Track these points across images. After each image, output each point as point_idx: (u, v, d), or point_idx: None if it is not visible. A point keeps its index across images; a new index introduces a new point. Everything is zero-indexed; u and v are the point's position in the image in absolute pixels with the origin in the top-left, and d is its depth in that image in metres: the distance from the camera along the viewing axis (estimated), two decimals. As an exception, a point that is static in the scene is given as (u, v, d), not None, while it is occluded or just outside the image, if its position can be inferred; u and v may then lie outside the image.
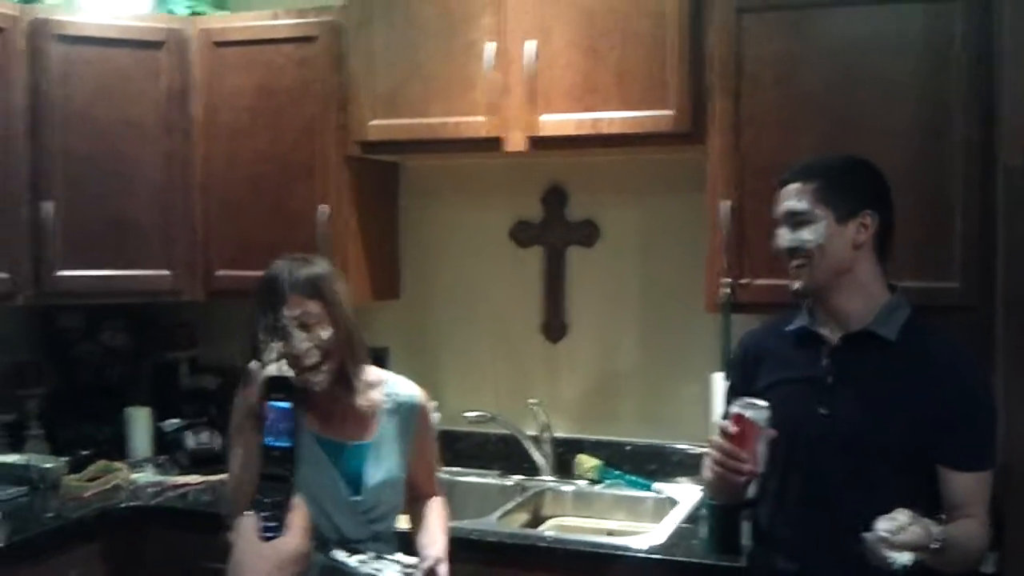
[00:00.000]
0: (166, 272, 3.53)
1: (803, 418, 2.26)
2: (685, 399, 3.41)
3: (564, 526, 3.33)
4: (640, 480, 3.39)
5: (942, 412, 2.17)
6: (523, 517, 3.31)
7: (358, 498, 2.40)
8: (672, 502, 3.22)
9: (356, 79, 3.32)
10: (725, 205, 2.90)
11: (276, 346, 2.28)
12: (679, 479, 3.37)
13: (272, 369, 2.19)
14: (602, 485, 3.43)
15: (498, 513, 3.15)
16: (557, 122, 3.08)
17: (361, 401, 2.45)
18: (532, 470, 3.51)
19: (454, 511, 2.67)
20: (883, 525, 1.98)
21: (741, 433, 2.17)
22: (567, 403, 3.60)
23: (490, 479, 3.54)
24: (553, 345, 3.62)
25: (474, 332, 3.70)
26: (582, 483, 3.45)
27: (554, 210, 3.59)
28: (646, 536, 2.91)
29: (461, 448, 3.55)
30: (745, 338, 2.53)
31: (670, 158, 3.33)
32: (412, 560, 2.36)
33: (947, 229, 2.72)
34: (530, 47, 3.07)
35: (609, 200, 3.53)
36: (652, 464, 3.45)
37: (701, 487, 3.06)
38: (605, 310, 3.55)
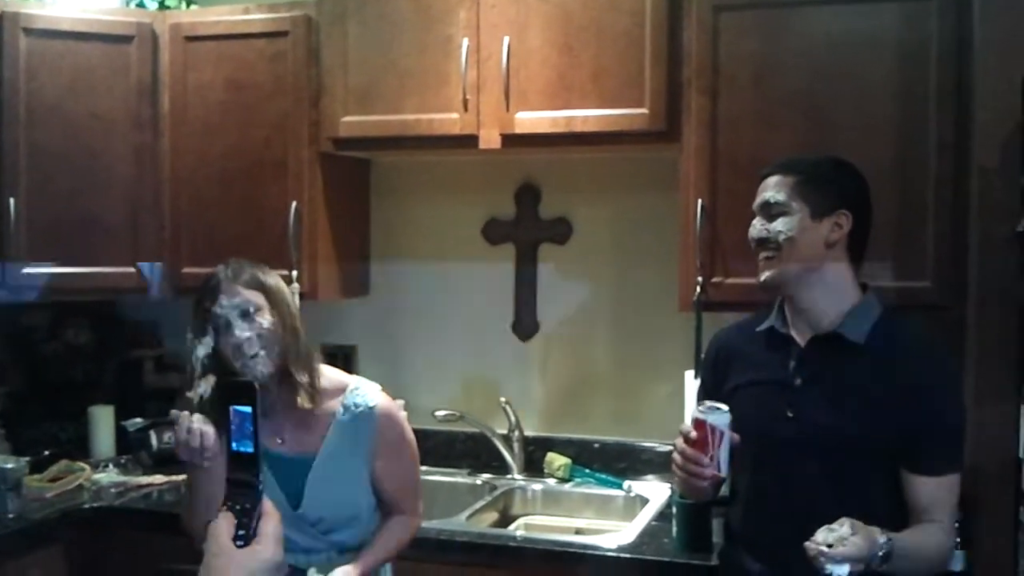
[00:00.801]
0: (131, 269, 3.48)
1: (771, 420, 2.26)
2: (657, 398, 3.42)
3: (533, 525, 3.33)
4: (610, 478, 3.39)
5: (908, 416, 2.16)
6: (492, 516, 3.30)
7: (300, 512, 2.34)
8: (642, 500, 3.22)
9: (329, 74, 3.30)
10: (699, 204, 2.90)
11: (206, 341, 2.28)
12: (649, 477, 3.38)
13: (201, 389, 2.24)
14: (572, 483, 3.43)
15: (467, 512, 3.14)
16: (532, 120, 3.08)
17: (312, 407, 2.36)
18: (502, 469, 3.51)
19: (424, 509, 2.63)
20: (821, 537, 1.98)
21: (702, 438, 2.15)
22: (537, 401, 3.60)
23: (459, 478, 3.53)
24: (524, 343, 3.61)
25: (444, 330, 3.69)
26: (552, 481, 3.45)
27: (527, 207, 3.59)
28: (616, 535, 2.91)
29: (430, 447, 3.52)
30: (716, 337, 2.52)
31: (644, 156, 3.34)
32: None
33: (920, 228, 2.74)
34: (505, 44, 3.07)
35: (582, 198, 3.53)
36: (622, 462, 3.46)
37: (671, 485, 3.07)
38: (577, 308, 3.55)
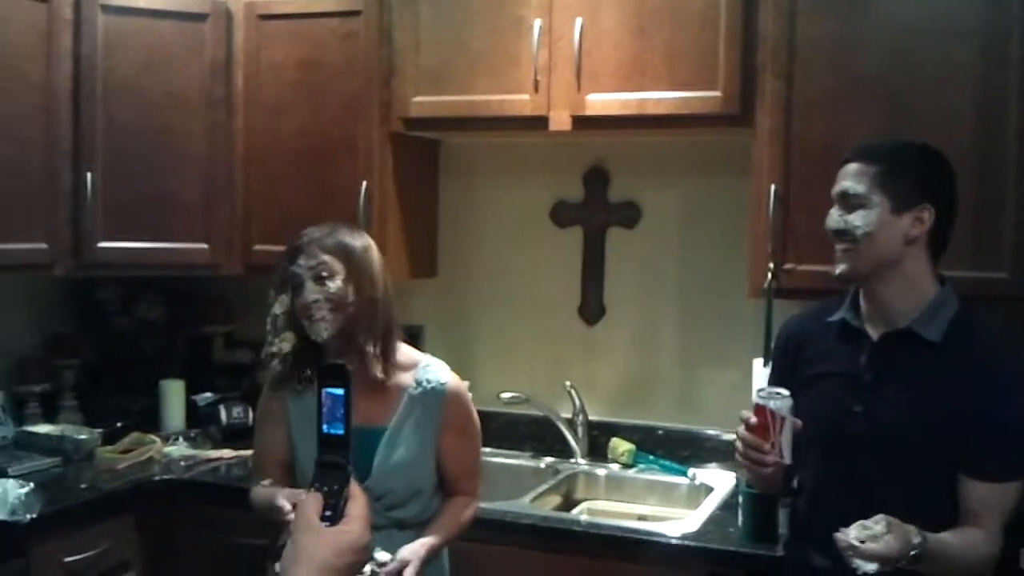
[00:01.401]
0: (204, 246, 3.53)
1: (839, 414, 2.20)
2: (723, 385, 3.38)
3: (596, 510, 3.32)
4: (674, 465, 3.37)
5: (975, 417, 2.08)
6: (555, 500, 3.29)
7: (366, 484, 2.31)
8: (707, 488, 3.20)
9: (400, 55, 3.30)
10: (771, 189, 2.86)
11: (283, 299, 2.33)
12: (713, 465, 3.36)
13: (278, 347, 2.32)
14: (635, 469, 3.41)
15: (530, 495, 3.14)
16: (603, 101, 3.06)
17: (384, 378, 2.39)
18: (565, 452, 3.50)
19: (486, 492, 2.63)
20: (854, 532, 1.95)
21: (763, 424, 2.12)
22: (602, 386, 3.58)
23: (522, 461, 3.53)
24: (590, 327, 3.60)
25: (510, 312, 3.69)
26: (615, 467, 3.43)
27: (595, 191, 3.56)
28: (680, 523, 2.89)
29: (494, 429, 3.52)
30: (786, 325, 2.48)
31: (714, 140, 3.30)
32: (387, 557, 2.27)
33: (997, 218, 2.67)
34: (578, 25, 3.05)
35: (652, 182, 3.50)
36: (686, 450, 3.43)
37: (736, 474, 3.04)
38: (644, 293, 3.52)
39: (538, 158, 3.61)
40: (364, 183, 3.35)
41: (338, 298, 2.32)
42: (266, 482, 2.41)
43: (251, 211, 3.54)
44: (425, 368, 2.46)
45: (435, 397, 2.43)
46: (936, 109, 2.71)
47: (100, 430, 3.46)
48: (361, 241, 2.41)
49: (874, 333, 2.23)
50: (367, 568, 2.21)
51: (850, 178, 2.18)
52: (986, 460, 2.09)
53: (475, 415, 2.53)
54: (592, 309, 3.59)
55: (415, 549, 2.31)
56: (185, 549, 3.20)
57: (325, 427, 1.36)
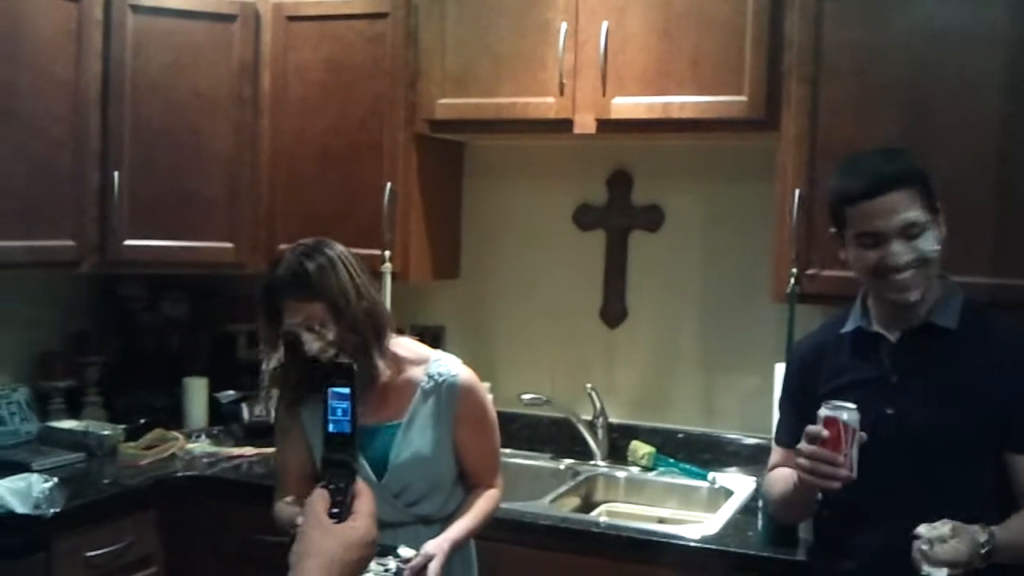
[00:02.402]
0: (229, 244, 3.55)
1: (873, 421, 2.14)
2: (745, 390, 3.38)
3: (616, 512, 3.32)
4: (694, 469, 3.37)
5: (1010, 396, 2.11)
6: (575, 501, 3.30)
7: (383, 482, 2.36)
8: (727, 492, 3.19)
9: (426, 57, 3.32)
10: (796, 194, 2.86)
11: (276, 357, 2.33)
12: (733, 469, 3.36)
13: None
14: (655, 472, 3.41)
15: (550, 496, 3.15)
16: (628, 105, 3.06)
17: (395, 377, 2.40)
18: (585, 454, 3.50)
19: (506, 493, 2.64)
20: (924, 532, 1.94)
21: (835, 436, 2.05)
22: (623, 389, 3.58)
23: (542, 462, 3.53)
24: (611, 330, 3.60)
25: (532, 314, 3.69)
26: (635, 470, 3.43)
27: (619, 194, 3.57)
28: (699, 526, 2.89)
29: (515, 430, 3.53)
30: (797, 349, 2.47)
31: (738, 145, 3.31)
32: (411, 553, 2.27)
33: (1019, 225, 2.67)
34: (604, 28, 3.06)
35: (675, 186, 3.50)
36: (707, 453, 3.43)
37: (756, 478, 3.03)
38: (666, 296, 3.53)
39: (562, 161, 3.62)
40: (388, 184, 3.37)
41: (338, 337, 2.29)
42: (289, 499, 2.42)
43: (276, 210, 3.56)
44: (436, 362, 2.46)
45: (448, 390, 2.43)
46: (960, 116, 2.71)
47: (123, 426, 3.48)
48: (320, 261, 2.29)
49: (891, 335, 2.23)
50: (392, 564, 2.23)
51: (904, 208, 2.11)
52: None
53: (491, 407, 2.53)
54: (614, 312, 3.59)
55: (439, 544, 2.30)
56: (206, 545, 3.22)
57: (332, 426, 1.38)
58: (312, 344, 2.29)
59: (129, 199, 3.42)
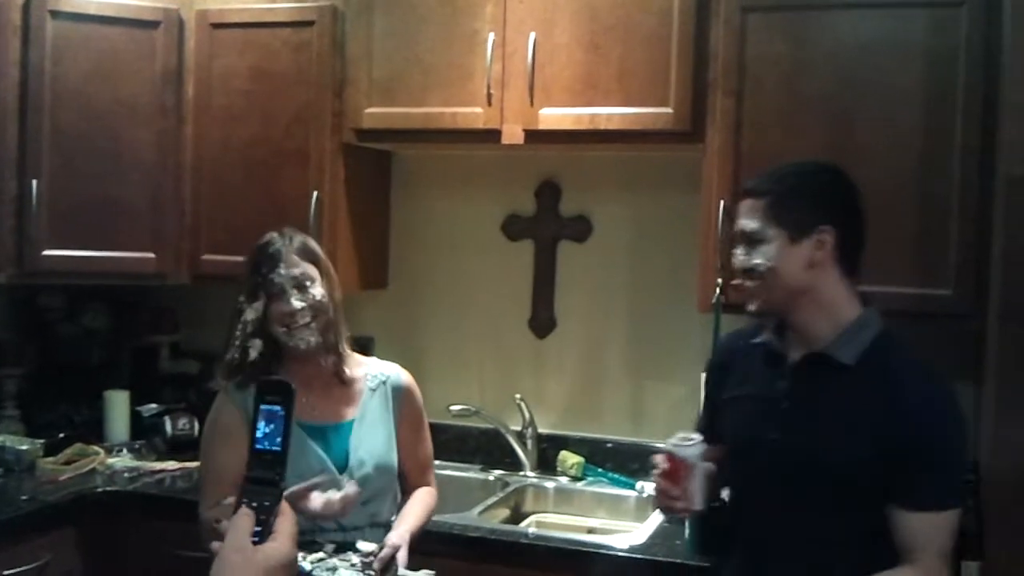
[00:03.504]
0: (151, 255, 3.49)
1: (755, 440, 2.16)
2: (672, 398, 3.41)
3: (545, 523, 3.32)
4: (623, 478, 3.38)
5: (899, 445, 1.99)
6: (504, 513, 3.30)
7: (345, 475, 2.39)
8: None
9: (353, 65, 3.31)
10: (720, 204, 2.89)
11: (256, 306, 2.35)
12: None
13: (252, 354, 2.35)
14: (584, 482, 3.42)
15: (479, 508, 3.15)
16: (556, 116, 3.08)
17: (346, 375, 2.47)
18: (514, 465, 3.51)
19: (435, 504, 2.65)
20: None
21: (672, 471, 2.13)
22: (552, 399, 3.59)
23: (471, 473, 3.53)
24: (540, 340, 3.61)
25: (461, 324, 3.69)
26: (564, 480, 3.44)
27: (547, 204, 3.58)
28: (628, 535, 2.91)
29: (444, 441, 3.50)
30: (721, 342, 2.50)
31: (665, 156, 3.33)
32: (372, 547, 2.32)
33: (943, 235, 2.72)
34: (531, 40, 3.07)
35: (603, 196, 3.52)
36: (635, 463, 3.44)
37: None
38: (594, 306, 3.54)
39: (490, 171, 3.62)
40: (315, 193, 3.34)
41: (320, 304, 2.39)
42: (228, 501, 2.32)
43: (199, 220, 3.51)
44: (375, 364, 2.58)
45: (393, 390, 2.54)
46: (883, 128, 2.77)
47: (42, 441, 3.40)
48: (317, 244, 2.50)
49: (794, 356, 2.17)
50: (355, 559, 2.28)
51: (744, 215, 2.14)
52: (920, 490, 2.01)
53: (424, 410, 2.65)
54: (542, 322, 3.60)
55: (400, 535, 2.36)
56: (129, 562, 3.15)
57: (262, 444, 1.34)
58: (296, 301, 2.35)
59: (48, 208, 3.35)
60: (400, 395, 2.55)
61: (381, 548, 2.31)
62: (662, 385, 3.45)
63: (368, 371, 2.53)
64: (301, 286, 2.37)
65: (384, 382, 2.53)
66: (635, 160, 3.43)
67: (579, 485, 3.41)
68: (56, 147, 3.36)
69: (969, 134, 2.68)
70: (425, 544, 2.54)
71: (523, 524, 3.27)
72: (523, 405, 3.48)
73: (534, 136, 3.12)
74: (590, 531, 3.20)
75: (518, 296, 3.62)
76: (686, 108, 2.95)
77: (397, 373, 2.58)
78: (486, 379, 3.65)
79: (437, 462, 3.15)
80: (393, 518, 2.49)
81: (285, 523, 1.34)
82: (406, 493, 2.58)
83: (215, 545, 1.36)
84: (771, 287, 2.11)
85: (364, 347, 3.61)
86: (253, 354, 2.39)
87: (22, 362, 3.68)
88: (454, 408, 3.44)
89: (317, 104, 3.35)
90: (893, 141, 2.75)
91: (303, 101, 3.37)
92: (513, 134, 3.13)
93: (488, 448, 3.59)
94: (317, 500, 2.22)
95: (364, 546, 2.33)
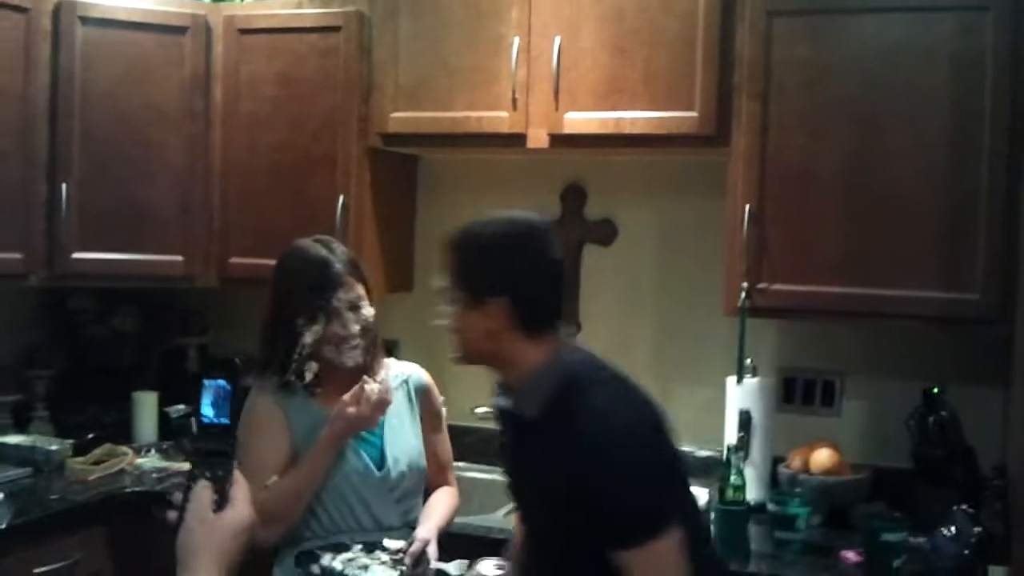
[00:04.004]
0: (180, 258, 3.52)
1: (511, 484, 2.22)
2: (697, 403, 3.39)
3: (570, 526, 3.31)
4: (648, 482, 3.37)
5: (577, 491, 1.93)
6: (529, 516, 3.29)
7: (383, 473, 2.43)
8: (680, 506, 3.20)
9: (379, 70, 3.33)
10: (746, 208, 2.89)
11: (316, 329, 2.38)
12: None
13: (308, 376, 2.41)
14: (609, 486, 3.41)
15: (504, 509, 3.14)
16: (581, 120, 3.09)
17: (379, 379, 2.47)
18: (539, 469, 3.50)
19: (460, 506, 2.65)
20: None
21: None
22: (577, 403, 3.58)
23: (496, 475, 3.50)
24: (565, 344, 3.60)
25: (486, 328, 3.68)
26: (589, 483, 3.43)
27: (572, 208, 3.58)
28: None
29: (468, 443, 3.52)
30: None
31: (691, 160, 3.33)
32: (400, 544, 2.36)
33: (970, 241, 2.71)
34: (556, 44, 3.08)
35: (629, 200, 3.52)
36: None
37: (708, 491, 3.05)
38: (619, 310, 3.54)
39: (515, 175, 3.62)
40: (341, 197, 3.36)
41: (370, 324, 2.44)
42: (273, 478, 2.37)
43: (228, 224, 3.54)
44: (395, 364, 2.61)
45: (416, 388, 2.58)
46: (908, 132, 2.76)
47: (71, 441, 3.43)
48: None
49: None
50: (385, 557, 2.33)
51: (445, 269, 2.10)
52: (612, 527, 1.93)
53: (443, 409, 2.69)
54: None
55: (428, 529, 2.41)
56: (156, 561, 3.17)
57: (211, 417, 1.43)
58: (352, 324, 2.39)
59: (78, 211, 3.39)
60: (422, 394, 2.59)
61: (410, 544, 2.35)
62: (688, 389, 3.44)
63: (391, 373, 2.55)
64: (355, 307, 2.41)
65: (406, 381, 2.57)
66: (660, 164, 3.43)
67: (604, 488, 3.40)
68: (86, 151, 3.40)
69: (996, 138, 2.67)
70: (450, 545, 2.56)
71: (548, 527, 3.27)
72: (548, 408, 3.47)
73: (559, 140, 3.13)
74: (614, 534, 3.19)
75: (543, 299, 3.61)
76: (711, 112, 2.95)
77: (418, 373, 2.62)
78: (511, 382, 3.64)
79: (462, 464, 3.19)
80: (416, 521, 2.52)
81: (240, 490, 1.44)
82: (427, 492, 2.60)
83: (170, 515, 1.43)
84: (459, 344, 2.09)
85: (388, 350, 3.64)
86: (309, 376, 2.43)
87: (52, 364, 3.72)
88: (479, 410, 3.44)
89: (344, 109, 3.37)
90: (919, 145, 2.74)
91: (330, 106, 3.39)
92: (538, 138, 3.14)
93: (513, 451, 3.58)
94: (362, 404, 2.33)
95: (391, 544, 2.37)
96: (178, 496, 1.42)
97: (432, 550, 2.37)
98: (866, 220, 2.80)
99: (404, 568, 2.31)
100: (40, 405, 3.65)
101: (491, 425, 3.49)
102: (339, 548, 2.35)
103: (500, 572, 2.27)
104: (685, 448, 3.39)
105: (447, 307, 2.08)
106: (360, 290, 2.44)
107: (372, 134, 3.37)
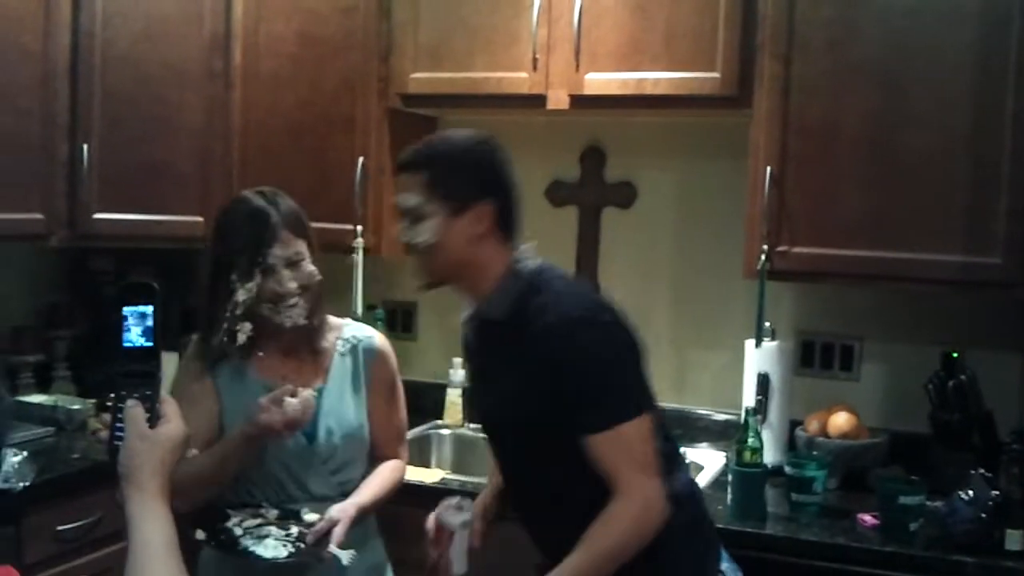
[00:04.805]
0: (200, 218, 3.53)
1: (477, 409, 2.30)
2: (716, 366, 3.40)
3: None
4: (666, 445, 3.38)
5: (551, 381, 2.01)
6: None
7: (314, 445, 2.32)
8: (697, 467, 3.21)
9: (400, 30, 3.31)
10: (767, 171, 2.87)
11: (250, 286, 2.24)
12: (704, 445, 3.38)
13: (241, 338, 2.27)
14: (627, 448, 3.41)
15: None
16: (601, 81, 3.07)
17: (318, 345, 2.38)
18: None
19: (472, 468, 2.65)
20: None
21: (437, 536, 2.22)
22: (595, 366, 3.58)
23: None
24: (584, 307, 3.60)
25: (504, 291, 3.68)
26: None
27: (592, 170, 3.57)
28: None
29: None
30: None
31: (712, 121, 3.31)
32: (315, 518, 2.23)
33: (992, 204, 2.69)
34: (577, 4, 3.05)
35: (648, 162, 3.50)
36: (678, 429, 3.42)
37: (726, 453, 3.06)
38: (639, 273, 3.53)
39: (535, 136, 3.60)
40: (361, 159, 3.36)
41: (310, 281, 2.30)
42: (192, 451, 2.19)
43: (247, 185, 3.45)
44: (348, 327, 2.47)
45: (365, 353, 2.43)
46: (932, 93, 2.73)
47: (93, 400, 3.45)
48: (296, 205, 2.36)
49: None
50: (294, 529, 2.22)
51: (403, 190, 2.14)
52: (585, 413, 2.01)
53: (398, 377, 2.53)
54: (586, 288, 3.60)
55: (344, 507, 2.25)
56: (177, 518, 3.20)
57: (132, 342, 1.43)
58: (289, 281, 2.25)
59: (98, 172, 3.38)
60: (372, 359, 2.43)
61: (320, 519, 2.23)
62: (706, 352, 3.44)
63: (340, 335, 2.43)
64: (294, 263, 2.27)
65: (355, 346, 2.42)
66: (681, 125, 3.41)
67: (621, 451, 3.41)
68: (106, 111, 3.39)
69: (1020, 100, 2.64)
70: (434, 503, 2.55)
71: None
72: (566, 371, 3.48)
73: (579, 101, 3.11)
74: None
75: (561, 262, 3.49)
76: (733, 72, 2.93)
77: (370, 336, 2.46)
78: (529, 344, 3.65)
79: (474, 426, 3.18)
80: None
81: (171, 407, 1.47)
82: (374, 463, 2.45)
83: (102, 434, 1.45)
84: (436, 261, 2.11)
85: (407, 314, 3.66)
86: (242, 338, 2.29)
87: (73, 324, 3.74)
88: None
89: (364, 69, 3.36)
90: (943, 106, 2.71)
91: (350, 66, 3.38)
92: (558, 99, 3.12)
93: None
94: (275, 413, 2.14)
95: (308, 516, 2.25)
96: (105, 417, 1.45)
97: (338, 531, 2.18)
98: (887, 183, 2.78)
99: (302, 545, 2.18)
100: (62, 365, 3.67)
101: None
102: (254, 511, 2.25)
103: (465, 514, 2.20)
104: (703, 411, 3.43)
105: (418, 224, 2.08)
106: (300, 246, 2.29)
107: (392, 95, 3.36)
